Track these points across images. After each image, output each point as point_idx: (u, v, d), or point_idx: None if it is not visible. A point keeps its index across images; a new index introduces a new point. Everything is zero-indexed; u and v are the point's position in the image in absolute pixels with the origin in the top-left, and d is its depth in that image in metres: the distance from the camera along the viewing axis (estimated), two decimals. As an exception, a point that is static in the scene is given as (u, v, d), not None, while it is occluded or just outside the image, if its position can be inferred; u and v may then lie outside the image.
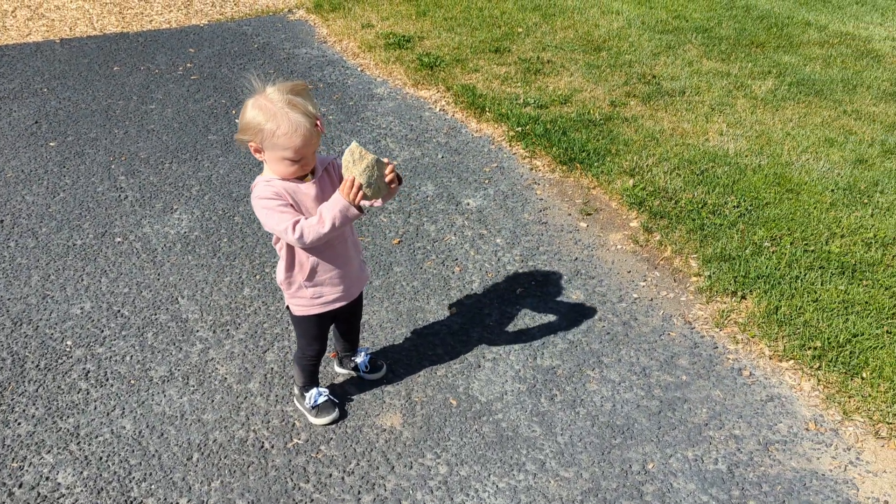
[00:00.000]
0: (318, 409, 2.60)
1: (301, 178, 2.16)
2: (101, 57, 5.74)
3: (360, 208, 2.08)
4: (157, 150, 4.40)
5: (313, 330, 2.47)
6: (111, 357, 2.88)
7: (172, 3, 7.08)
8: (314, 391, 2.60)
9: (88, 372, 2.81)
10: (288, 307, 2.44)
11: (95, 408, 2.66)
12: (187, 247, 3.53)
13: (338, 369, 2.84)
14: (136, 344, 2.95)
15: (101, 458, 2.46)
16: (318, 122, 2.05)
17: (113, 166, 4.22)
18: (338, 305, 2.40)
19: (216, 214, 3.78)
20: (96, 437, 2.55)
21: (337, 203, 2.06)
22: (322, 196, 2.18)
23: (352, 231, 2.38)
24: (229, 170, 4.19)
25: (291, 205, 2.13)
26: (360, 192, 2.05)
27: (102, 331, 3.02)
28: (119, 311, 3.13)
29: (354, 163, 2.04)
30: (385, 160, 2.10)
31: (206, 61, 5.68)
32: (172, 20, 6.65)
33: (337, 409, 2.62)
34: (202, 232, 3.64)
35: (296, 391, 2.66)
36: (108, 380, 2.78)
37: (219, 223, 3.71)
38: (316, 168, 2.19)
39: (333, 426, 2.60)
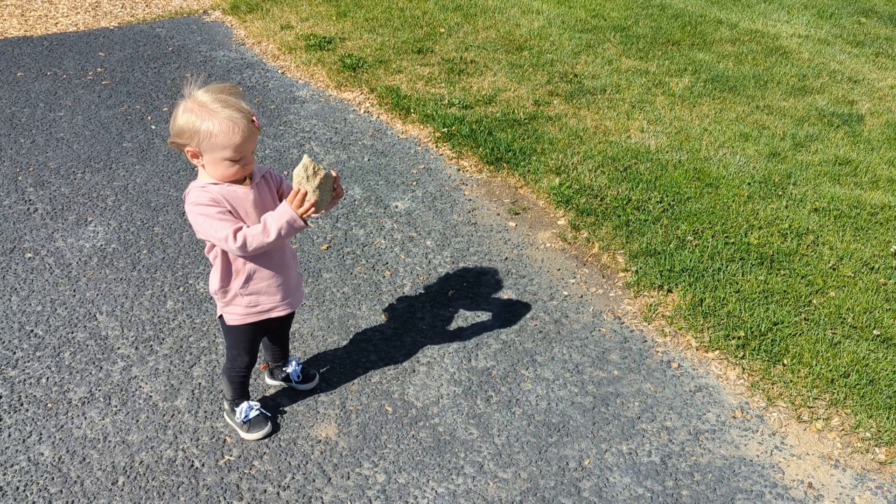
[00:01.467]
0: (249, 423, 2.52)
1: (238, 182, 2.11)
2: (3, 62, 5.44)
3: (305, 220, 2.06)
4: (67, 159, 4.20)
5: (245, 341, 2.39)
6: (25, 380, 2.73)
7: (79, 4, 6.78)
8: (245, 405, 2.52)
9: (0, 397, 2.65)
10: (221, 317, 2.36)
11: (10, 435, 2.51)
12: (104, 260, 3.38)
13: (269, 381, 2.76)
14: (52, 365, 2.80)
15: (17, 489, 2.33)
16: (254, 119, 2.04)
17: (20, 178, 4.00)
18: (275, 315, 2.35)
19: (134, 225, 3.63)
20: (11, 465, 2.40)
21: (284, 214, 2.03)
22: (260, 201, 2.15)
23: (288, 240, 2.33)
24: (147, 178, 4.03)
25: (230, 211, 2.07)
26: (312, 208, 2.03)
27: (14, 352, 2.85)
28: (32, 330, 2.96)
29: (308, 178, 2.02)
30: (334, 173, 2.09)
31: (117, 65, 5.46)
32: (80, 23, 6.37)
33: (269, 423, 2.55)
34: (120, 244, 3.49)
35: (226, 406, 2.58)
36: (22, 404, 2.63)
37: (137, 234, 3.57)
38: (254, 174, 2.16)
39: (266, 440, 2.52)
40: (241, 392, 2.53)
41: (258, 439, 2.52)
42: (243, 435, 2.52)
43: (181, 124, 2.00)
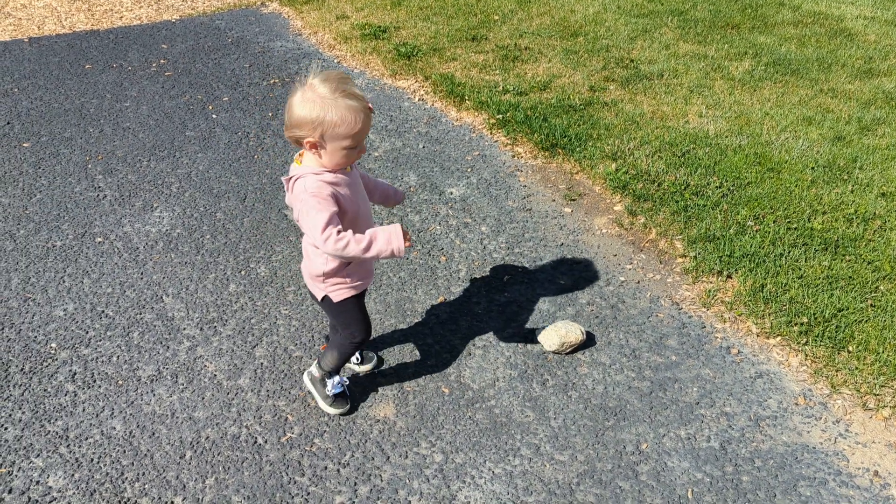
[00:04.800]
0: (334, 397, 2.59)
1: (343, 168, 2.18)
2: (72, 55, 5.64)
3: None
4: (133, 148, 4.34)
5: (357, 312, 2.44)
6: (97, 358, 2.84)
7: (143, -1, 6.98)
8: (337, 378, 2.57)
9: (75, 374, 2.77)
10: (325, 299, 2.39)
11: (84, 409, 2.62)
12: (170, 245, 3.49)
13: (328, 362, 2.82)
14: (122, 344, 2.91)
15: (91, 460, 2.43)
16: (370, 105, 2.07)
17: (90, 165, 4.15)
18: (367, 286, 2.45)
19: (198, 211, 3.74)
20: (86, 438, 2.51)
21: (394, 240, 2.10)
22: (356, 186, 2.23)
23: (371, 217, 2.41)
24: (209, 166, 4.14)
25: (342, 196, 2.14)
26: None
27: (87, 332, 2.97)
28: (103, 311, 3.08)
29: None
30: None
31: (179, 57, 5.60)
32: (143, 16, 6.55)
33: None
34: (184, 229, 3.60)
35: (315, 373, 2.60)
36: (95, 381, 2.74)
37: (201, 220, 3.67)
38: None
39: (326, 419, 2.58)
40: (341, 367, 2.59)
41: (336, 414, 2.59)
42: (324, 407, 2.58)
43: (303, 115, 2.01)
